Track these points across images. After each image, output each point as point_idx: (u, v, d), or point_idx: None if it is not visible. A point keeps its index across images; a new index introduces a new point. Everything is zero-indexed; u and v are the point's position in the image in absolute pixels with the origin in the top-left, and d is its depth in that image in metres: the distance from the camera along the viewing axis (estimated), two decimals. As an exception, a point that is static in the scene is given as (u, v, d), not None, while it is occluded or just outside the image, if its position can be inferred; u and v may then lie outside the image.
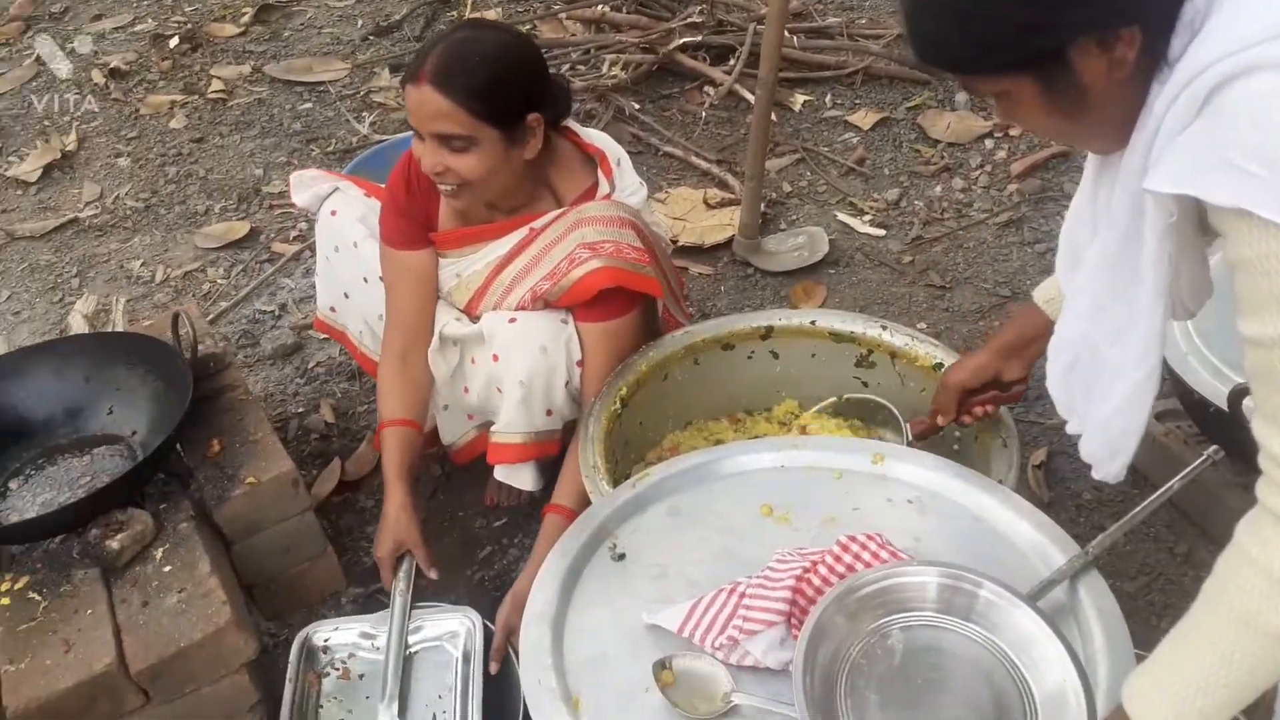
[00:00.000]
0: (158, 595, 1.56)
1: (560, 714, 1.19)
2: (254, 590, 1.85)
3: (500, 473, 1.89)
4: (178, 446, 1.82)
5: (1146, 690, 1.01)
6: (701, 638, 1.25)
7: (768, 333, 1.86)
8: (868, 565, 1.27)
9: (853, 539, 1.30)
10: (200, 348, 1.91)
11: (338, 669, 1.60)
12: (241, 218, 3.19)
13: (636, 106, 3.42)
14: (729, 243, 2.80)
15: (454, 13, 4.35)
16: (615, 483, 1.56)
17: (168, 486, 1.79)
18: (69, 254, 3.09)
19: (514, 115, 1.61)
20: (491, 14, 4.16)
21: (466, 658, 1.61)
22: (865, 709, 1.15)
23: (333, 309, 2.12)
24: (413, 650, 1.63)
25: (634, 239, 1.71)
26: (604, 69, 3.54)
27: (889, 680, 1.17)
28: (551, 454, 1.87)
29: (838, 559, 1.28)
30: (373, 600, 1.93)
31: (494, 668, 1.62)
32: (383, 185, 1.94)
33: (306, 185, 2.04)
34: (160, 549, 1.63)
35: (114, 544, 1.59)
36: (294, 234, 3.09)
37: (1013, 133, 3.20)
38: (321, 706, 1.55)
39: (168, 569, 1.60)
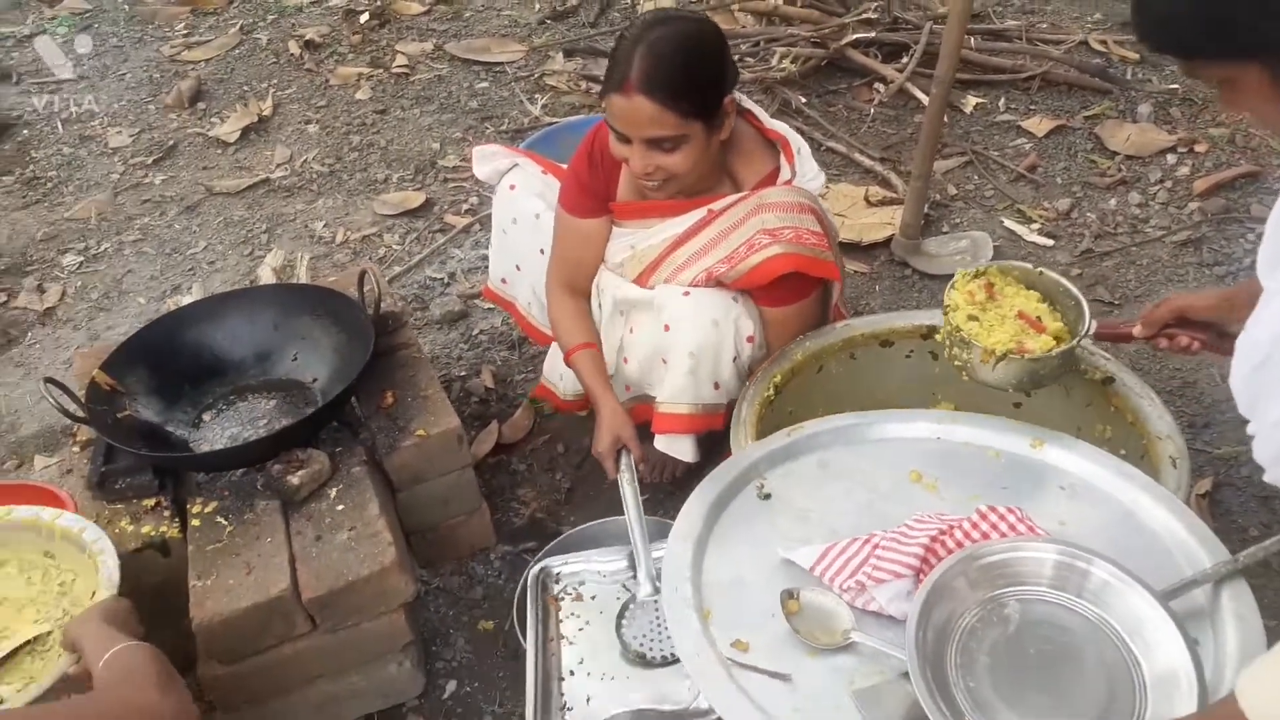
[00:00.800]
0: (330, 531, 1.68)
1: (692, 621, 1.31)
2: (411, 538, 1.96)
3: (661, 442, 1.91)
4: (353, 396, 1.95)
5: (1262, 677, 0.98)
6: (831, 578, 1.34)
7: (929, 332, 1.84)
8: (1003, 536, 1.31)
9: (993, 509, 1.34)
10: (382, 305, 2.03)
11: (570, 594, 1.71)
12: (418, 188, 3.34)
13: (803, 100, 3.42)
14: (888, 242, 2.77)
15: (629, 1, 4.44)
16: (764, 468, 1.58)
17: (339, 433, 1.92)
18: (259, 211, 3.31)
19: (714, 105, 1.65)
20: (666, 2, 4.22)
21: None
22: (974, 669, 1.20)
23: (504, 280, 2.22)
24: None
25: (814, 224, 1.73)
26: (773, 61, 3.55)
27: (1001, 647, 1.23)
28: (716, 429, 1.88)
29: (975, 525, 1.33)
30: (519, 559, 2.02)
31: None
32: (558, 164, 2.02)
33: (487, 159, 2.14)
34: (334, 489, 1.76)
35: (294, 480, 1.72)
36: (465, 207, 3.22)
37: (1198, 149, 3.05)
38: (561, 621, 1.67)
39: (340, 508, 1.72)
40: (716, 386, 1.84)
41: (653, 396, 1.91)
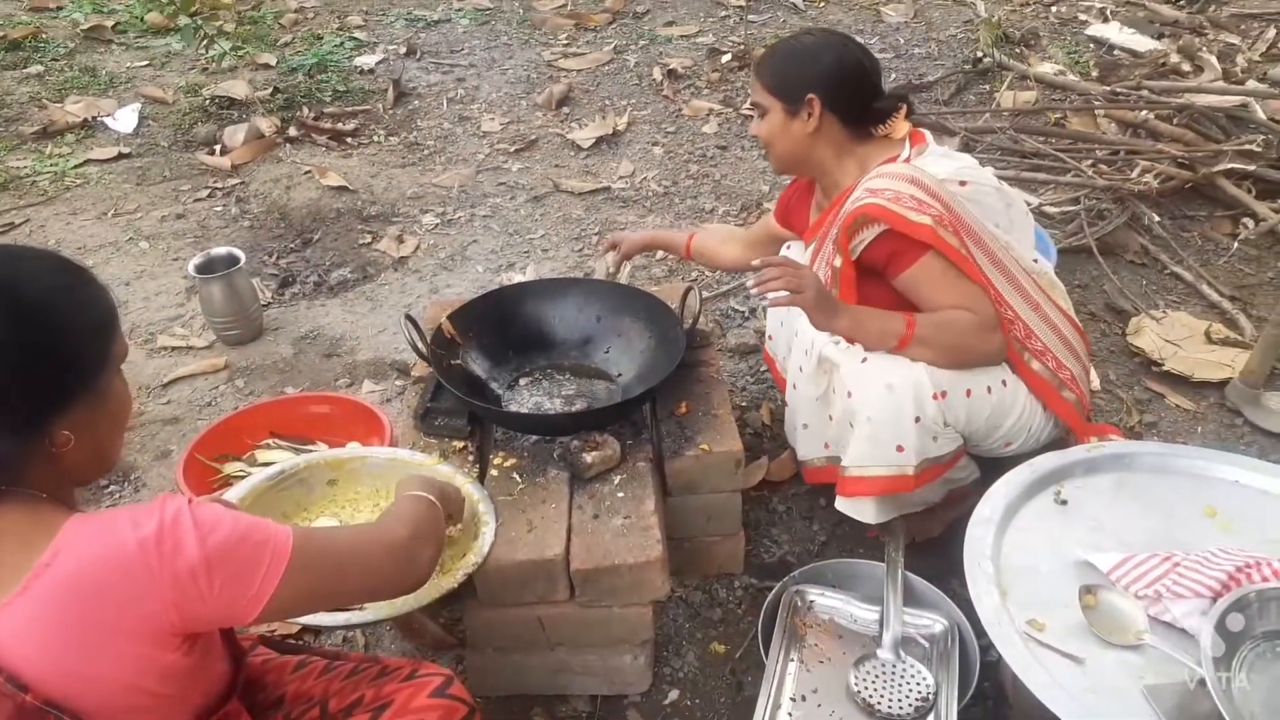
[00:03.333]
0: (607, 514, 1.79)
1: (992, 594, 1.49)
2: (668, 543, 2.04)
3: (841, 504, 1.92)
4: (652, 398, 2.06)
5: None
6: (1128, 585, 1.48)
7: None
8: None
9: None
10: (697, 323, 2.13)
11: (820, 624, 1.86)
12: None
13: (1155, 219, 3.23)
14: (1222, 384, 2.57)
15: (987, 85, 4.39)
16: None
17: (623, 429, 2.03)
18: (595, 214, 3.57)
19: (795, 91, 1.89)
20: (1027, 96, 4.14)
21: (942, 655, 1.79)
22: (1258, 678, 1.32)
23: (770, 336, 2.31)
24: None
25: (917, 192, 1.77)
26: (1133, 173, 3.39)
27: None
28: (901, 491, 1.85)
29: None
30: (762, 594, 2.04)
31: None
32: None
33: None
34: (618, 476, 1.87)
35: (588, 458, 1.85)
36: (781, 250, 3.32)
37: None
38: (804, 646, 1.81)
39: (620, 495, 1.83)
40: (900, 449, 1.81)
41: (839, 459, 1.92)
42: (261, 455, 2.35)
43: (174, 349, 2.89)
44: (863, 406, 1.81)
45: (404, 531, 1.33)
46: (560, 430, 1.96)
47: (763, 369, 2.76)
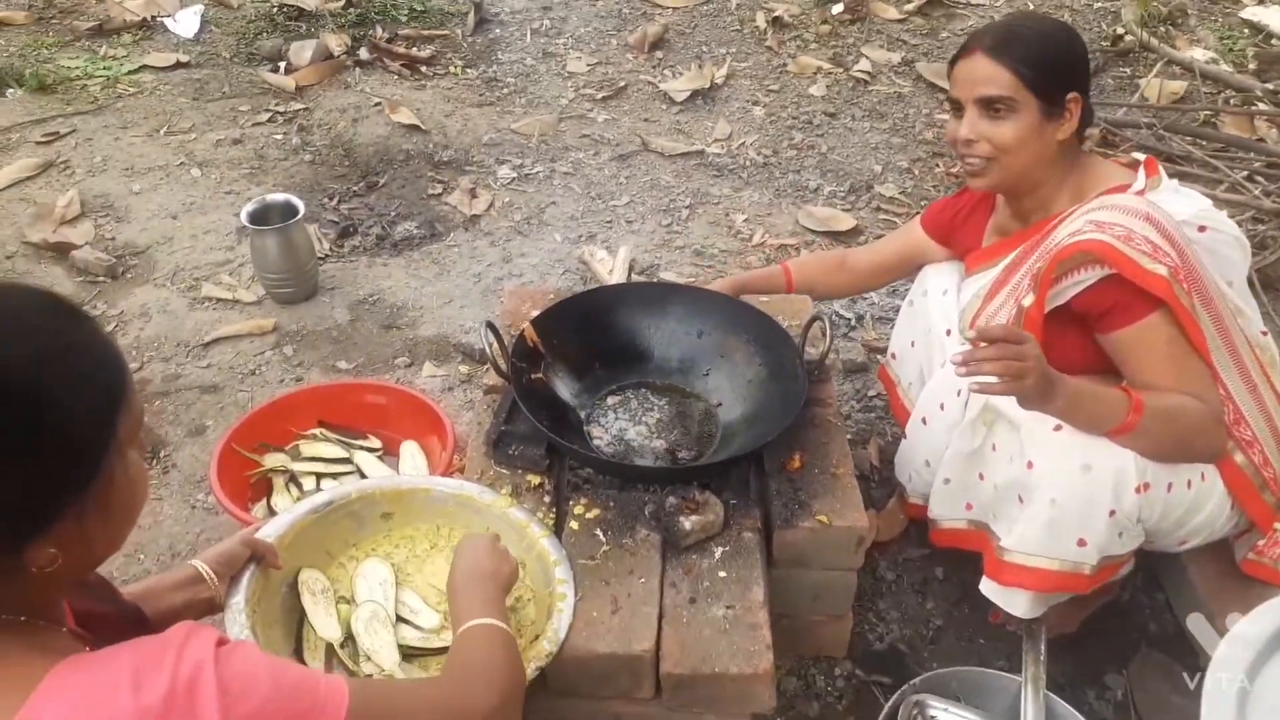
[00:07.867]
0: (706, 599, 1.50)
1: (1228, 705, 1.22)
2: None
3: (990, 589, 1.64)
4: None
5: None
6: None
7: None
8: None
9: None
10: (825, 360, 1.82)
11: None
12: (847, 209, 3.12)
13: (1328, 256, 2.83)
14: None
15: (1128, 69, 3.94)
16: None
17: (724, 483, 1.72)
18: (687, 182, 3.21)
19: (1056, 89, 1.56)
20: (1175, 86, 3.69)
21: None
22: None
23: (894, 355, 2.03)
24: None
25: (1153, 233, 1.47)
26: (1307, 198, 2.97)
27: None
28: (1073, 590, 1.58)
29: None
30: (867, 689, 1.77)
31: None
32: None
33: None
34: (720, 548, 1.58)
35: (686, 523, 1.56)
36: (893, 246, 2.96)
37: None
38: None
39: (723, 574, 1.54)
40: (1082, 544, 1.52)
41: (989, 527, 1.66)
42: (306, 448, 2.09)
43: (219, 300, 2.62)
44: (1047, 485, 1.51)
45: (492, 700, 1.08)
46: (652, 480, 1.67)
47: (871, 393, 2.44)
